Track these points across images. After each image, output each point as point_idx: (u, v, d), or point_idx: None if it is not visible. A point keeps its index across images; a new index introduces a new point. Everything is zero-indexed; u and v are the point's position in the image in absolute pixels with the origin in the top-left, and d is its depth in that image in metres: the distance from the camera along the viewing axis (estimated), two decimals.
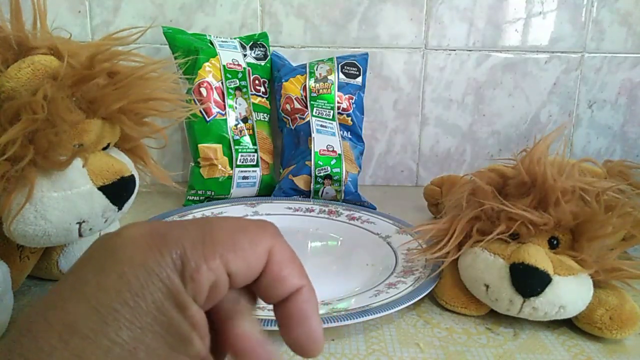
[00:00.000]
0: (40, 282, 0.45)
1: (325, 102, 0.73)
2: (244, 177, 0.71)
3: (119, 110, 0.38)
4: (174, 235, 0.18)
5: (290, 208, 0.65)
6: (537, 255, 0.37)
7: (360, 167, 0.75)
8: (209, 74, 0.71)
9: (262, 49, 0.78)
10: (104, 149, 0.41)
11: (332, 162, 0.69)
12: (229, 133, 0.70)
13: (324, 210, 0.64)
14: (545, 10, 0.79)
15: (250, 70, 0.75)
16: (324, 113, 0.73)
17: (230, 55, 0.73)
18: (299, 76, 0.75)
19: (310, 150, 0.70)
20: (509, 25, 0.80)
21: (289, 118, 0.75)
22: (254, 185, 0.72)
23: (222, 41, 0.75)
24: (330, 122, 0.72)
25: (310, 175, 0.69)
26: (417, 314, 0.42)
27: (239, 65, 0.73)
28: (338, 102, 0.73)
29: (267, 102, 0.77)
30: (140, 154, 0.45)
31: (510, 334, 0.39)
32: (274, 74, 0.79)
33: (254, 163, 0.71)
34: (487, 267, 0.39)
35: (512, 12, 0.79)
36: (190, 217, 0.60)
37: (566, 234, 0.40)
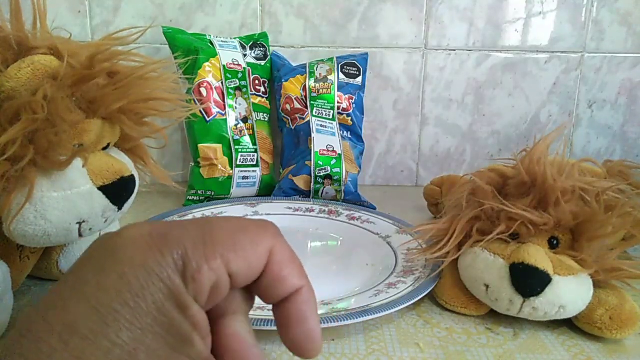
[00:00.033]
0: (40, 282, 0.45)
1: (325, 102, 0.73)
2: (244, 177, 0.71)
3: (119, 110, 0.38)
4: (175, 235, 0.18)
5: (290, 208, 0.65)
6: (537, 255, 0.37)
7: (360, 167, 0.75)
8: (209, 74, 0.71)
9: (262, 49, 0.78)
10: (104, 149, 0.41)
11: (332, 162, 0.69)
12: (229, 133, 0.70)
13: (324, 210, 0.64)
14: (545, 10, 0.79)
15: (250, 70, 0.75)
16: (324, 113, 0.73)
17: (230, 55, 0.73)
18: (299, 76, 0.75)
19: (310, 150, 0.70)
20: (509, 25, 0.80)
21: (289, 118, 0.74)
22: (254, 185, 0.72)
23: (222, 41, 0.74)
24: (330, 122, 0.72)
25: (310, 175, 0.69)
26: (417, 314, 0.42)
27: (239, 65, 0.73)
28: (338, 102, 0.73)
29: (267, 102, 0.77)
30: (140, 154, 0.45)
31: (510, 334, 0.39)
32: (274, 74, 0.79)
33: (254, 163, 0.71)
34: (487, 267, 0.39)
35: (512, 12, 0.79)
36: (190, 217, 0.60)
37: (566, 234, 0.40)
